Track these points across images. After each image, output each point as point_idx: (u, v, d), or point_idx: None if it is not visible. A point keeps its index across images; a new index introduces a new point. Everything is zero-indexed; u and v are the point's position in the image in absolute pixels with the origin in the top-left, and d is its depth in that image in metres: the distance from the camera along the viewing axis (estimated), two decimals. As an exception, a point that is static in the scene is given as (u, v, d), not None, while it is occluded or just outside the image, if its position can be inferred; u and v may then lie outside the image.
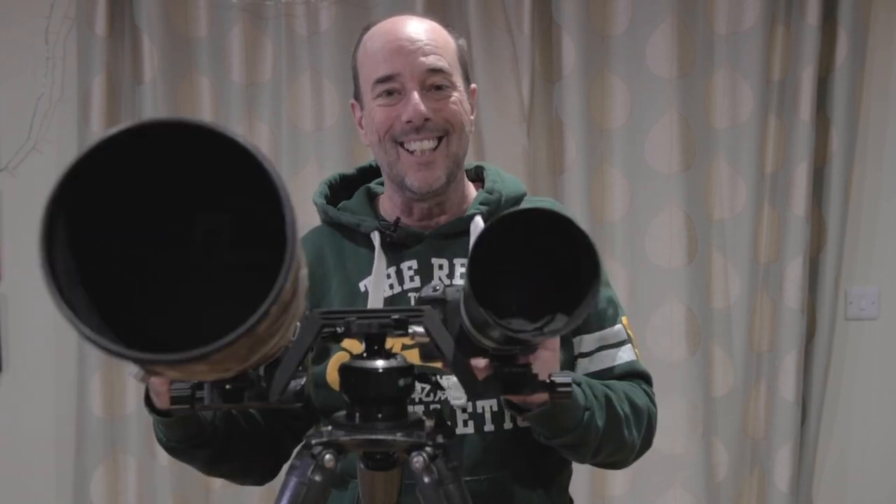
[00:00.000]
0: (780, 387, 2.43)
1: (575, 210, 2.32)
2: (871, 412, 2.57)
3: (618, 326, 1.19)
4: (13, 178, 2.43)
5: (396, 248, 1.18)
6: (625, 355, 1.18)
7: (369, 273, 1.17)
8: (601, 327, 1.18)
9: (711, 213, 2.47)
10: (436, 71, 1.13)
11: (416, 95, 1.11)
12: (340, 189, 1.27)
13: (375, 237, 1.18)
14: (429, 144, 1.13)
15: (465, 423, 1.13)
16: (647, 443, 1.17)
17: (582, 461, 1.12)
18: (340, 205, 1.24)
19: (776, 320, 2.45)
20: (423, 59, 1.12)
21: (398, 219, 1.18)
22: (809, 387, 2.49)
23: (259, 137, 2.42)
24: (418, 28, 1.15)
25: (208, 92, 2.41)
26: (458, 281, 1.16)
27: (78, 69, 2.38)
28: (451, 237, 1.18)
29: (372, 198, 1.25)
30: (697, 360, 2.43)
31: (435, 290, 0.89)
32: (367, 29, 1.19)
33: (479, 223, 1.16)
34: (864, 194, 2.53)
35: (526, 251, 0.79)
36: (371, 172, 1.28)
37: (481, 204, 1.19)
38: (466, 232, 1.17)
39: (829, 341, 2.49)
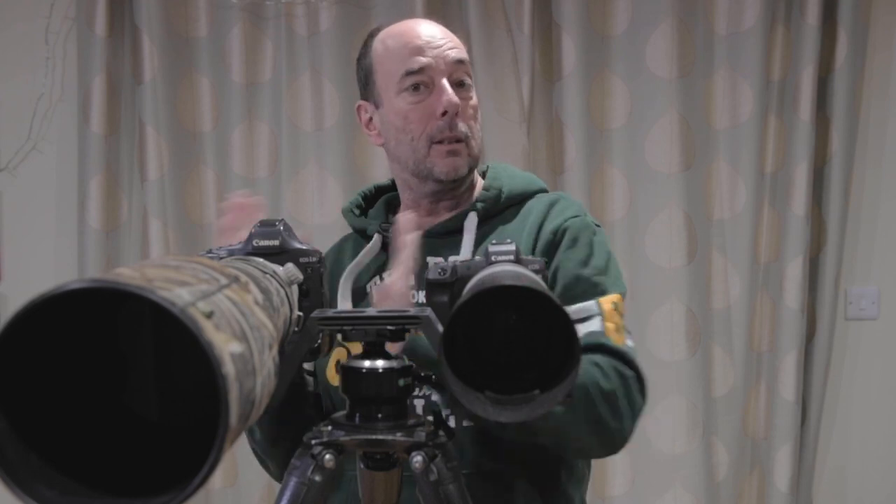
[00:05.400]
0: (780, 387, 2.43)
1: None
2: (871, 412, 2.57)
3: (588, 303, 1.10)
4: (13, 178, 2.43)
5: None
6: (584, 328, 1.07)
7: (376, 274, 1.19)
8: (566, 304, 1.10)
9: (711, 213, 2.47)
10: (461, 62, 1.17)
11: (447, 86, 1.14)
12: (376, 198, 1.30)
13: (376, 239, 1.20)
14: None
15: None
16: (627, 411, 1.05)
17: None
18: (370, 213, 1.27)
19: (776, 320, 2.45)
20: (449, 51, 1.16)
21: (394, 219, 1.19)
22: (809, 387, 2.49)
23: (259, 137, 2.43)
24: (436, 28, 1.19)
25: (208, 92, 2.41)
26: None
27: (78, 69, 2.38)
28: (445, 235, 1.19)
29: (394, 205, 1.27)
30: (697, 360, 2.43)
31: (442, 272, 0.88)
32: (375, 32, 1.21)
33: (472, 219, 1.18)
34: (864, 194, 2.52)
35: (505, 322, 0.76)
36: None
37: (477, 201, 1.20)
38: (461, 230, 1.18)
39: (829, 341, 2.49)
